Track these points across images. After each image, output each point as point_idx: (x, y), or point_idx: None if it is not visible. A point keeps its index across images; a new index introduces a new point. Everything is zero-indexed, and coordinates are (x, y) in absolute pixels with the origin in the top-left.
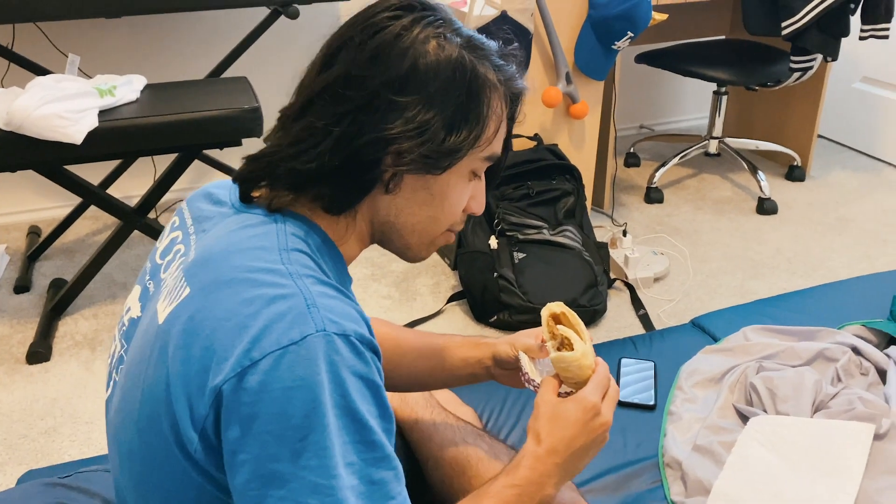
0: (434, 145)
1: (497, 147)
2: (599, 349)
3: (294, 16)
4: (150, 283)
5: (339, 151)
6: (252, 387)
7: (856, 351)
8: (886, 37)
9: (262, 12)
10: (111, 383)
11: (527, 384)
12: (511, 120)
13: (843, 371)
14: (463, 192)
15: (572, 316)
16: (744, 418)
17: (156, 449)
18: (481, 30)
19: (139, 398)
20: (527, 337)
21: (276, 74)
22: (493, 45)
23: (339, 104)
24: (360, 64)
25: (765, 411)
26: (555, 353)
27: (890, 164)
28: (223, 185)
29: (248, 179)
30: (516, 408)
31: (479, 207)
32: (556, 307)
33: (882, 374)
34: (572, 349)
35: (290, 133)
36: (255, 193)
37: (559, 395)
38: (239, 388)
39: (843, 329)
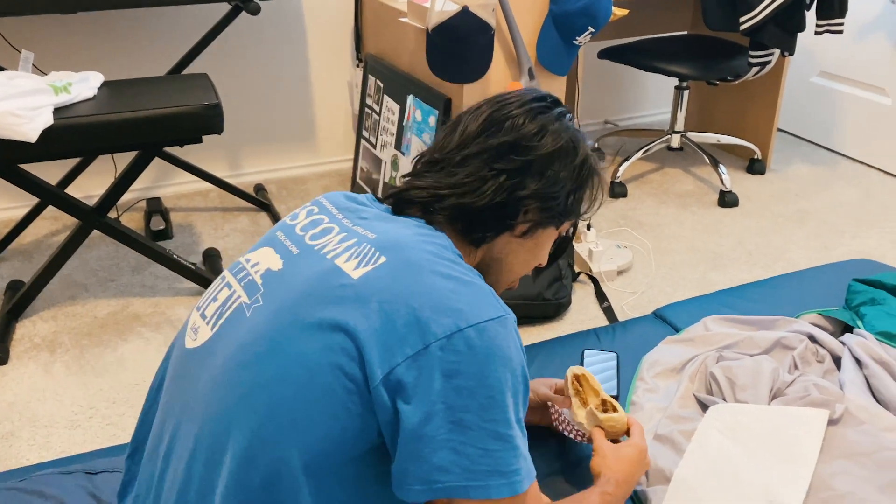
0: (561, 206)
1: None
2: (564, 341)
3: (255, 11)
4: (291, 247)
5: (499, 195)
6: (460, 348)
7: (812, 339)
8: (841, 31)
9: (224, 8)
10: (214, 325)
11: (564, 429)
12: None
13: (800, 359)
14: (547, 251)
15: (592, 378)
16: (704, 407)
17: (320, 380)
18: (444, 25)
19: (308, 334)
20: (542, 386)
21: (237, 71)
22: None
23: (505, 162)
24: (526, 136)
25: (724, 399)
26: (602, 414)
27: (847, 156)
28: (348, 195)
29: (409, 200)
30: None
31: (543, 263)
32: (579, 370)
33: (837, 361)
34: (604, 407)
35: (453, 175)
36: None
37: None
38: (448, 346)
39: (801, 318)
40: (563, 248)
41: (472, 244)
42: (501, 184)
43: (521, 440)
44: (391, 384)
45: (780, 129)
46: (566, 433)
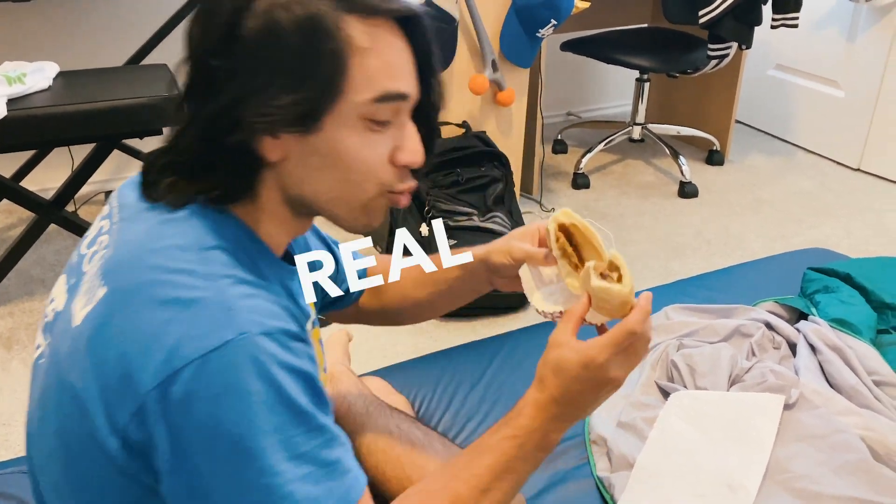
0: (282, 104)
1: (388, 83)
2: (529, 332)
3: None
4: (73, 275)
5: (199, 137)
6: (177, 398)
7: (769, 326)
8: (796, 26)
9: None
10: (32, 380)
11: (536, 307)
12: (415, 49)
13: (758, 346)
14: (367, 145)
15: (586, 229)
16: (665, 394)
17: (76, 451)
18: None
19: (58, 398)
20: (522, 239)
21: None
22: None
23: (188, 87)
24: (194, 38)
25: (685, 386)
26: (598, 281)
27: (802, 147)
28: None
29: (148, 172)
30: (447, 395)
31: (410, 156)
32: (565, 217)
33: (793, 347)
34: (605, 272)
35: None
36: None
37: (584, 326)
38: (163, 399)
39: (758, 306)
40: (426, 111)
41: (236, 202)
42: (194, 120)
43: (308, 476)
44: (131, 447)
45: (737, 121)
46: (545, 317)
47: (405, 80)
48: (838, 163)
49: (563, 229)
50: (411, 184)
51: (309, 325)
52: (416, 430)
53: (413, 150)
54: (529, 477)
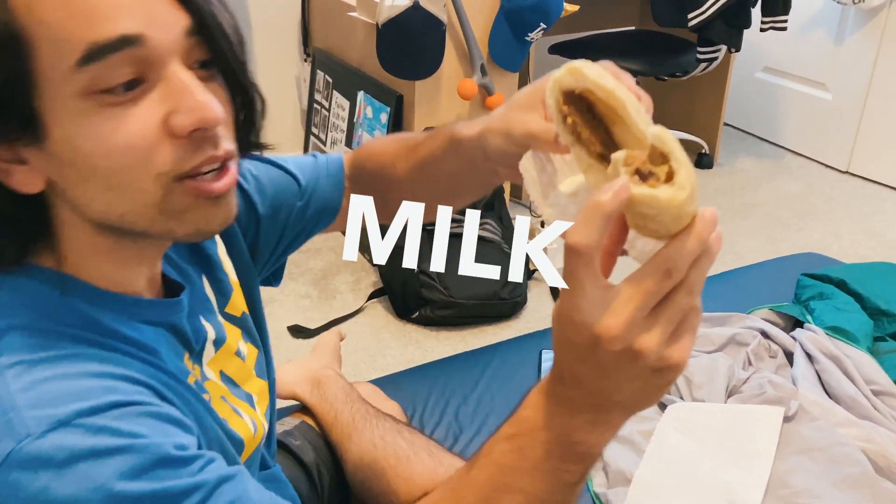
0: None
1: (89, 31)
2: (520, 342)
3: None
4: None
5: None
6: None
7: (765, 335)
8: (785, 28)
9: None
10: None
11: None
12: None
13: (754, 355)
14: (112, 129)
15: (611, 96)
16: (662, 406)
17: None
18: (394, 20)
19: None
20: (528, 108)
21: None
22: None
23: None
24: None
25: (681, 398)
26: (640, 187)
27: (790, 150)
28: None
29: None
30: (438, 407)
31: (190, 115)
32: (572, 78)
33: (789, 356)
34: (650, 167)
35: None
36: None
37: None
38: None
39: (753, 313)
40: (219, 51)
41: (25, 255)
42: None
43: None
44: None
45: (726, 124)
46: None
47: (125, 17)
48: (827, 165)
49: (575, 98)
50: (214, 153)
51: (209, 350)
52: (401, 440)
53: (192, 107)
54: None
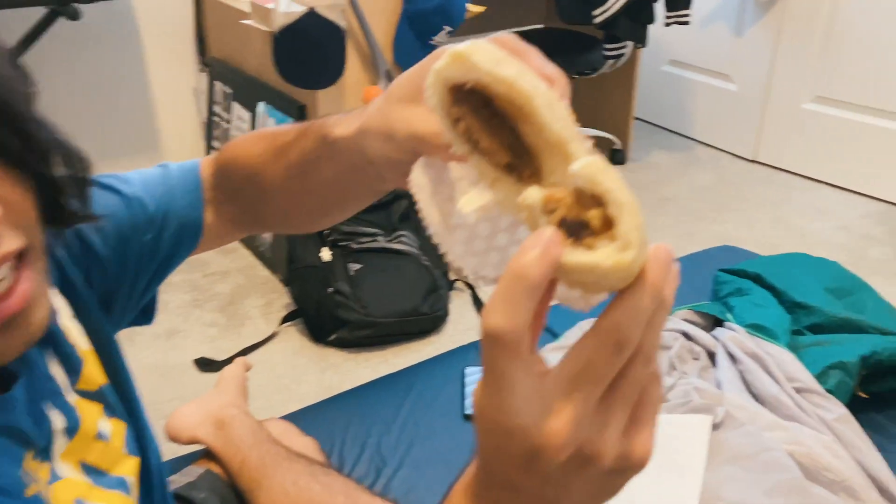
0: None
1: None
2: (442, 360)
3: (75, 16)
4: None
5: None
6: None
7: (686, 336)
8: (688, 22)
9: (38, 13)
10: None
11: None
12: None
13: (677, 358)
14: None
15: (516, 90)
16: None
17: None
18: (290, 28)
19: None
20: (408, 106)
21: (63, 82)
22: None
23: None
24: None
25: None
26: (573, 253)
27: (700, 141)
28: None
29: None
30: (358, 439)
31: None
32: (457, 66)
33: (712, 356)
34: (578, 211)
35: None
36: None
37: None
38: None
39: (674, 315)
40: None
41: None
42: None
43: None
44: None
45: (636, 118)
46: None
47: None
48: (735, 155)
49: (467, 94)
50: None
51: (60, 441)
52: (316, 484)
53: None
54: None
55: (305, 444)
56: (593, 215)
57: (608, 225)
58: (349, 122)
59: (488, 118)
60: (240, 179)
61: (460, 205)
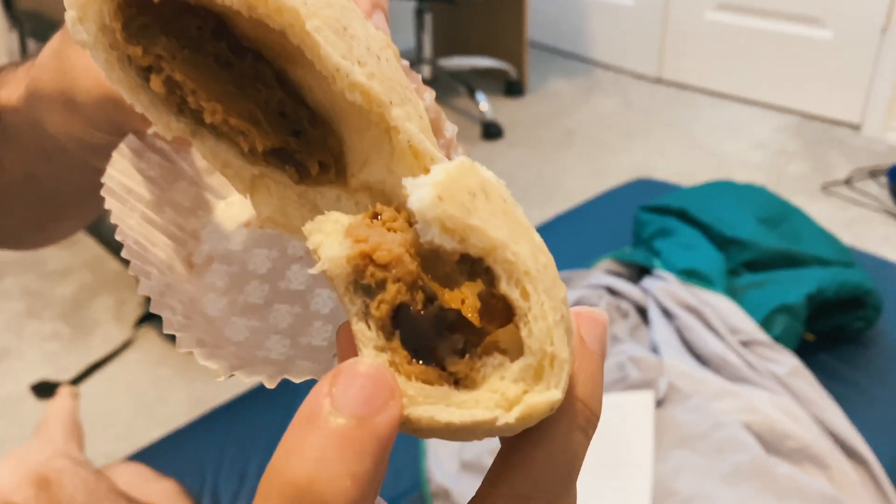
0: None
1: None
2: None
3: None
4: None
5: None
6: None
7: (611, 291)
8: None
9: None
10: None
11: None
12: None
13: None
14: None
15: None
16: None
17: None
18: None
19: None
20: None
21: None
22: None
23: None
24: None
25: None
26: (427, 407)
27: (600, 63)
28: None
29: None
30: (237, 467)
31: None
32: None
33: (643, 312)
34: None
35: None
36: None
37: None
38: None
39: (595, 267)
40: None
41: None
42: None
43: None
44: None
45: (532, 44)
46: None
47: None
48: (639, 75)
49: (172, 14)
50: None
51: None
52: None
53: None
54: None
55: (164, 490)
56: (466, 297)
57: (496, 314)
58: (17, 80)
59: (223, 62)
60: None
61: (216, 216)
